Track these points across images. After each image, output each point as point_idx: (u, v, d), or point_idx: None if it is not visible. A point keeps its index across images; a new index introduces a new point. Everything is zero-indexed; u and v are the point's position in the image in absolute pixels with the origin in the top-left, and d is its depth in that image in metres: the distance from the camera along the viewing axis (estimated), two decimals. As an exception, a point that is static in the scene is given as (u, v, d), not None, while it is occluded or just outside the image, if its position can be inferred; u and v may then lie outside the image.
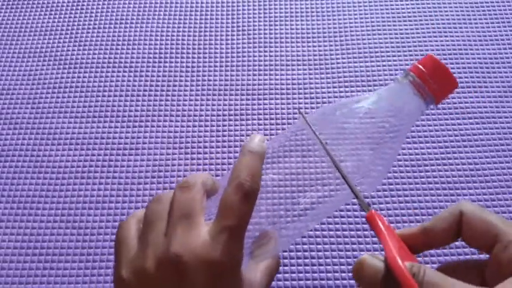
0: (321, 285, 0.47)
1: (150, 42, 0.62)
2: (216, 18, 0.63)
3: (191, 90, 0.58)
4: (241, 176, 0.26)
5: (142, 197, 0.52)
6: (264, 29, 0.62)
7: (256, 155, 0.27)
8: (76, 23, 0.63)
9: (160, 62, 0.60)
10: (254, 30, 0.62)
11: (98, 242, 0.49)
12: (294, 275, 0.47)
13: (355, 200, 0.51)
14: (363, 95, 0.29)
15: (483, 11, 0.63)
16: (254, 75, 0.59)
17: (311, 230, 0.49)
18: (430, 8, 0.63)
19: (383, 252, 0.48)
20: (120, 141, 0.55)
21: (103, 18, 0.64)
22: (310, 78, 0.58)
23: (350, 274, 0.47)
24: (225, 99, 0.57)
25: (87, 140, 0.55)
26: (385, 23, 0.62)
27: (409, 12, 0.63)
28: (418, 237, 0.26)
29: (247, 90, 0.58)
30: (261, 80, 0.58)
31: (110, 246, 0.49)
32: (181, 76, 0.59)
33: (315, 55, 0.60)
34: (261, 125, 0.55)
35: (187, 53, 0.61)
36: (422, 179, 0.52)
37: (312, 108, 0.56)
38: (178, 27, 0.63)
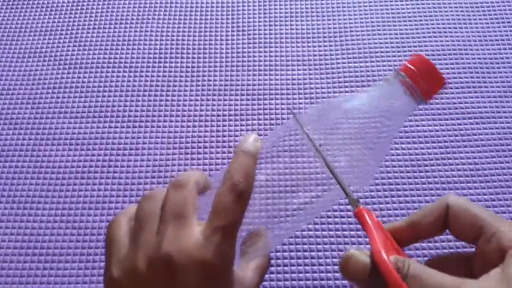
0: (321, 285, 0.47)
1: (150, 42, 0.62)
2: (216, 18, 0.63)
3: (191, 90, 0.58)
4: (234, 177, 0.26)
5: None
6: (264, 29, 0.62)
7: (250, 155, 0.27)
8: (76, 23, 0.63)
9: (160, 62, 0.60)
10: (254, 30, 0.62)
11: (98, 242, 0.49)
12: (294, 275, 0.47)
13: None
14: (353, 94, 0.29)
15: (483, 11, 0.63)
16: (254, 75, 0.59)
17: (310, 230, 0.49)
18: (430, 8, 0.63)
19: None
20: (120, 141, 0.55)
21: (103, 18, 0.64)
22: (310, 78, 0.58)
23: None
24: (225, 99, 0.57)
25: (87, 140, 0.55)
26: (385, 23, 0.62)
27: (409, 12, 0.63)
28: (406, 231, 0.26)
29: (247, 90, 0.58)
30: (261, 80, 0.58)
31: (110, 246, 0.49)
32: (181, 76, 0.59)
33: (315, 55, 0.60)
34: (261, 125, 0.55)
35: (187, 53, 0.61)
36: (422, 179, 0.52)
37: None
38: (178, 27, 0.63)
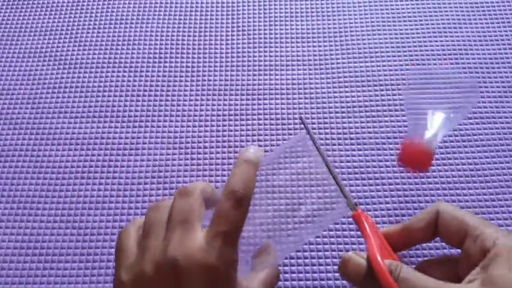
0: (321, 285, 0.47)
1: (150, 42, 0.62)
2: (216, 18, 0.63)
3: (191, 90, 0.58)
4: (234, 184, 0.26)
5: (142, 197, 0.52)
6: (264, 29, 0.62)
7: (250, 163, 0.28)
8: (76, 23, 0.63)
9: (160, 62, 0.60)
10: (254, 30, 0.62)
11: (98, 242, 0.49)
12: (294, 275, 0.47)
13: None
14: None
15: (483, 11, 0.63)
16: (254, 75, 0.59)
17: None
18: (430, 8, 0.63)
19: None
20: (120, 141, 0.55)
21: (103, 18, 0.64)
22: (310, 78, 0.58)
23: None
24: (225, 99, 0.57)
25: (87, 140, 0.55)
26: (385, 23, 0.62)
27: (409, 12, 0.63)
28: (400, 236, 0.27)
29: (247, 90, 0.58)
30: (261, 80, 0.58)
31: (110, 246, 0.49)
32: (181, 76, 0.59)
33: (315, 55, 0.60)
34: (261, 125, 0.55)
35: (187, 53, 0.61)
36: (423, 179, 0.52)
37: (312, 108, 0.56)
38: (178, 27, 0.63)
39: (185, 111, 0.57)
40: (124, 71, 0.59)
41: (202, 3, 0.64)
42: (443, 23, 0.62)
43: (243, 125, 0.56)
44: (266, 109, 0.56)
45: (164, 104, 0.57)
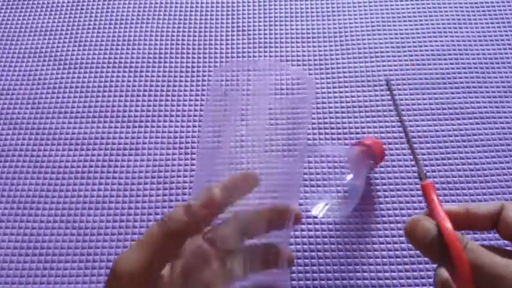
0: (321, 285, 0.47)
1: (150, 42, 0.62)
2: (216, 18, 0.63)
3: (191, 90, 0.58)
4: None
5: (142, 197, 0.52)
6: (264, 29, 0.62)
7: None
8: (76, 23, 0.63)
9: (160, 62, 0.60)
10: (254, 30, 0.62)
11: (98, 242, 0.49)
12: (293, 275, 0.47)
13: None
14: None
15: (483, 11, 0.63)
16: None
17: (311, 230, 0.49)
18: (430, 8, 0.63)
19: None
20: (120, 141, 0.55)
21: (103, 18, 0.64)
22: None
23: (350, 274, 0.47)
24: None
25: (87, 140, 0.55)
26: (385, 23, 0.62)
27: (409, 12, 0.63)
28: (461, 215, 0.28)
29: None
30: (261, 80, 0.58)
31: (109, 246, 0.49)
32: (181, 76, 0.59)
33: (315, 55, 0.60)
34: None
35: (187, 53, 0.61)
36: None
37: (312, 108, 0.56)
38: (178, 27, 0.63)
39: (185, 111, 0.57)
40: (124, 71, 0.59)
41: (202, 3, 0.64)
42: (443, 23, 0.62)
43: (243, 125, 0.55)
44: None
45: (164, 104, 0.57)
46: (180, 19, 0.63)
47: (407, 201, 0.51)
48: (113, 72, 0.60)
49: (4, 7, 0.65)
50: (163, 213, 0.51)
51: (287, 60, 0.60)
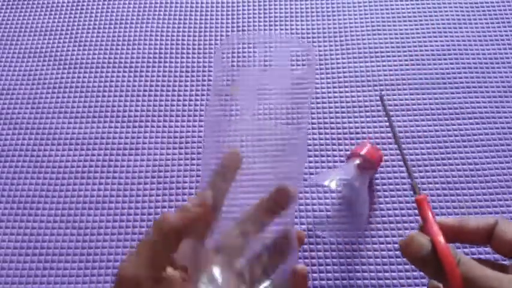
0: (321, 285, 0.47)
1: (150, 42, 0.62)
2: (216, 18, 0.63)
3: (191, 90, 0.58)
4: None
5: (142, 197, 0.52)
6: (264, 29, 0.62)
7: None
8: (76, 23, 0.63)
9: (160, 62, 0.60)
10: (254, 30, 0.62)
11: (98, 242, 0.49)
12: (294, 275, 0.47)
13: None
14: None
15: (483, 11, 0.63)
16: (254, 75, 0.59)
17: (311, 231, 0.49)
18: (430, 8, 0.63)
19: (382, 245, 0.48)
20: (120, 141, 0.55)
21: (103, 18, 0.64)
22: (310, 78, 0.58)
23: (350, 274, 0.47)
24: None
25: (87, 140, 0.55)
26: (385, 23, 0.62)
27: (409, 12, 0.63)
28: (453, 229, 0.28)
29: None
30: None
31: (109, 246, 0.49)
32: (181, 76, 0.59)
33: (315, 55, 0.60)
34: (261, 125, 0.55)
35: (187, 53, 0.61)
36: (423, 179, 0.52)
37: (312, 108, 0.56)
38: (178, 27, 0.63)
39: (185, 111, 0.57)
40: (124, 71, 0.59)
41: (202, 3, 0.64)
42: (443, 23, 0.62)
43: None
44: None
45: (164, 104, 0.57)
46: (180, 19, 0.63)
47: (407, 201, 0.51)
48: (113, 72, 0.60)
49: (4, 7, 0.65)
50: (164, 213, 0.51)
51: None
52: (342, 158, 0.53)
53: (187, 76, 0.59)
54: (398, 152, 0.54)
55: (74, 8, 0.64)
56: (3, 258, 0.49)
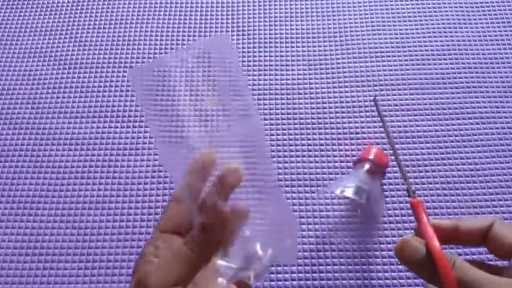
0: (321, 285, 0.47)
1: (150, 42, 0.62)
2: (216, 18, 0.63)
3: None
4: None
5: (142, 197, 0.52)
6: (264, 29, 0.62)
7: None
8: (76, 23, 0.63)
9: (160, 62, 0.60)
10: (254, 30, 0.62)
11: (98, 242, 0.49)
12: (294, 275, 0.47)
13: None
14: None
15: (483, 11, 0.63)
16: (254, 75, 0.59)
17: (310, 231, 0.49)
18: (430, 8, 0.63)
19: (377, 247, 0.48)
20: (120, 141, 0.55)
21: (103, 18, 0.64)
22: (310, 78, 0.58)
23: (350, 274, 0.47)
24: (225, 99, 0.57)
25: (87, 140, 0.55)
26: (385, 23, 0.62)
27: (409, 12, 0.63)
28: (449, 231, 0.28)
29: (247, 90, 0.58)
30: (261, 80, 0.58)
31: (109, 246, 0.49)
32: (181, 76, 0.59)
33: (315, 55, 0.60)
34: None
35: (187, 53, 0.61)
36: (423, 179, 0.52)
37: (312, 108, 0.56)
38: (178, 27, 0.63)
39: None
40: (124, 71, 0.59)
41: (202, 3, 0.64)
42: (443, 23, 0.62)
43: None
44: (266, 109, 0.56)
45: (164, 104, 0.57)
46: (180, 19, 0.63)
47: (407, 201, 0.51)
48: (113, 72, 0.60)
49: (4, 7, 0.65)
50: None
51: (287, 60, 0.60)
52: (341, 158, 0.53)
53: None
54: (399, 151, 0.54)
55: (74, 8, 0.64)
56: (3, 258, 0.49)
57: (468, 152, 0.54)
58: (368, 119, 0.56)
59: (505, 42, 0.60)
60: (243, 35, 0.62)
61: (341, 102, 0.57)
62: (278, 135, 0.55)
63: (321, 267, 0.48)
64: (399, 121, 0.55)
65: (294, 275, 0.47)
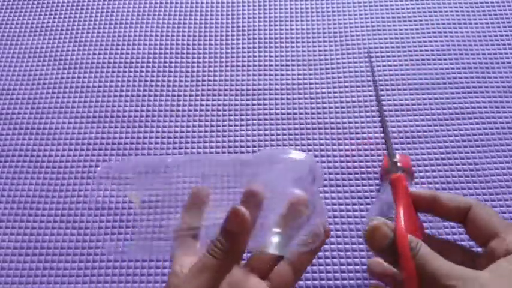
0: (321, 286, 0.47)
1: (150, 42, 0.62)
2: (216, 18, 0.63)
3: (191, 90, 0.58)
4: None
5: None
6: (264, 29, 0.62)
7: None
8: (76, 23, 0.63)
9: (160, 62, 0.60)
10: (254, 30, 0.62)
11: (98, 242, 0.49)
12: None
13: (354, 201, 0.51)
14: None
15: (483, 11, 0.63)
16: (254, 75, 0.59)
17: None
18: (430, 8, 0.63)
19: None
20: (120, 141, 0.55)
21: (103, 18, 0.64)
22: (310, 78, 0.58)
23: (350, 274, 0.47)
24: (225, 99, 0.57)
25: (87, 140, 0.55)
26: (385, 23, 0.62)
27: (409, 12, 0.63)
28: (427, 200, 0.28)
29: (247, 90, 0.58)
30: (261, 80, 0.58)
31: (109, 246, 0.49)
32: (181, 76, 0.59)
33: (314, 55, 0.60)
34: (260, 125, 0.55)
35: (187, 53, 0.61)
36: (423, 179, 0.52)
37: (312, 108, 0.56)
38: (178, 27, 0.63)
39: (185, 111, 0.57)
40: (124, 71, 0.59)
41: (202, 3, 0.64)
42: (443, 23, 0.62)
43: (243, 125, 0.56)
44: (266, 109, 0.56)
45: (164, 104, 0.57)
46: (180, 19, 0.63)
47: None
48: (113, 72, 0.60)
49: (4, 7, 0.65)
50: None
51: (287, 60, 0.60)
52: (341, 158, 0.53)
53: (187, 76, 0.59)
54: (399, 151, 0.54)
55: (74, 8, 0.64)
56: (3, 258, 0.49)
57: (468, 152, 0.53)
58: (368, 119, 0.56)
59: (505, 42, 0.60)
60: (243, 35, 0.62)
61: (341, 102, 0.57)
62: (278, 135, 0.55)
63: (321, 267, 0.48)
64: (399, 121, 0.55)
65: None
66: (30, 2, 0.65)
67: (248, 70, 0.59)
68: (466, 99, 0.57)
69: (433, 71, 0.59)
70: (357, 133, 0.55)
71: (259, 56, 0.60)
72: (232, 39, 0.61)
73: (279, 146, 0.54)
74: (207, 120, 0.56)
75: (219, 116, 0.56)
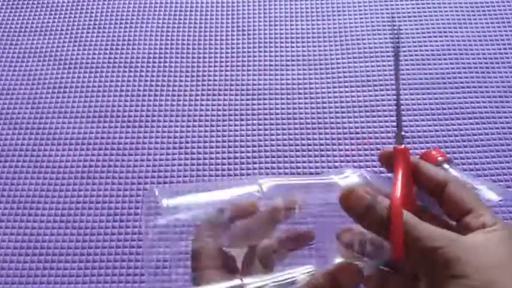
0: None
1: (150, 42, 0.62)
2: (216, 18, 0.63)
3: (191, 90, 0.58)
4: None
5: (142, 197, 0.52)
6: (264, 29, 0.62)
7: None
8: (76, 23, 0.63)
9: (160, 62, 0.60)
10: (254, 30, 0.62)
11: (98, 242, 0.49)
12: (294, 275, 0.47)
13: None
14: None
15: (483, 11, 0.63)
16: (254, 75, 0.59)
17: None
18: (430, 8, 0.63)
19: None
20: (120, 141, 0.55)
21: (103, 18, 0.64)
22: (310, 78, 0.58)
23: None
24: (225, 99, 0.57)
25: (87, 140, 0.55)
26: (385, 23, 0.62)
27: (409, 12, 0.63)
28: (412, 164, 0.29)
29: (247, 90, 0.58)
30: (261, 80, 0.58)
31: (109, 246, 0.49)
32: (181, 76, 0.59)
33: (315, 55, 0.60)
34: (260, 125, 0.55)
35: (187, 53, 0.61)
36: (422, 179, 0.52)
37: (312, 108, 0.56)
38: (178, 27, 0.63)
39: (185, 111, 0.57)
40: (124, 71, 0.60)
41: (202, 3, 0.64)
42: (443, 23, 0.62)
43: (243, 125, 0.56)
44: (266, 109, 0.56)
45: (164, 104, 0.57)
46: (180, 19, 0.63)
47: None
48: (113, 72, 0.60)
49: (4, 7, 0.65)
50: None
51: (287, 60, 0.60)
52: (341, 158, 0.53)
53: (187, 76, 0.59)
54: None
55: (74, 8, 0.64)
56: (3, 258, 0.49)
57: (468, 152, 0.53)
58: (368, 119, 0.56)
59: (505, 42, 0.60)
60: (243, 35, 0.62)
61: (341, 102, 0.57)
62: (278, 135, 0.55)
63: (321, 267, 0.48)
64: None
65: (294, 275, 0.47)
66: (30, 2, 0.65)
67: (248, 70, 0.59)
68: (466, 99, 0.57)
69: (433, 71, 0.59)
70: (357, 133, 0.55)
71: (259, 56, 0.60)
72: (232, 39, 0.61)
73: (279, 146, 0.54)
74: (207, 120, 0.56)
75: (219, 116, 0.56)
